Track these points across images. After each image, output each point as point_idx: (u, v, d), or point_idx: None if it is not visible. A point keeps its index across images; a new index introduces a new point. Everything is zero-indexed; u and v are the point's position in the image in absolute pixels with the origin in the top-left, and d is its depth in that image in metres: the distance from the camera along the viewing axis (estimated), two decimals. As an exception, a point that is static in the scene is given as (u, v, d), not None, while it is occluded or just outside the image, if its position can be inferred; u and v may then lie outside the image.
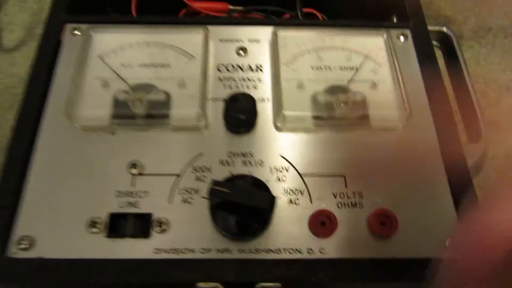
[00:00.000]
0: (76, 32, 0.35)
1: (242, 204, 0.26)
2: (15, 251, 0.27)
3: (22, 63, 0.46)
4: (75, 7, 0.37)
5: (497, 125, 0.44)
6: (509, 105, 0.45)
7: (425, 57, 0.35)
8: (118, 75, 0.32)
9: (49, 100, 0.32)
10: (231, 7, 0.45)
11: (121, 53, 0.33)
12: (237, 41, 0.35)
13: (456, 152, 0.30)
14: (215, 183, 0.27)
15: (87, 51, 0.33)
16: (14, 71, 0.46)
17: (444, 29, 0.37)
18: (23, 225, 0.28)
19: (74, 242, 0.27)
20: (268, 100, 0.33)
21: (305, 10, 0.44)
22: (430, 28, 0.36)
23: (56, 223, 0.28)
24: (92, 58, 0.33)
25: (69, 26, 0.35)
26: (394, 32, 0.35)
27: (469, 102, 0.34)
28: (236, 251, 0.27)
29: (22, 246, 0.27)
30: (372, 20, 0.38)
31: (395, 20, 0.38)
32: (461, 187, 0.29)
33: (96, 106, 0.31)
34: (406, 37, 0.36)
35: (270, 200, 0.26)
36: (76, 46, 0.34)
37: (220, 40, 0.35)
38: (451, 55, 0.36)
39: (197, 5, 0.43)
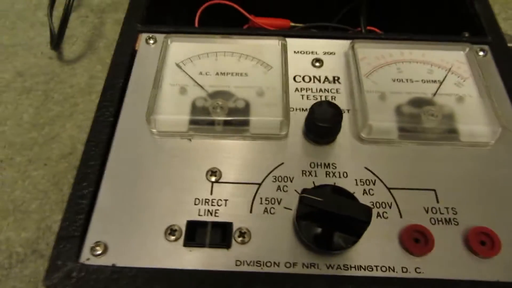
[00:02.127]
0: (151, 41, 0.35)
1: (336, 214, 0.24)
2: (88, 257, 0.25)
3: (82, 74, 0.47)
4: (147, 18, 0.37)
5: None
6: None
7: (507, 71, 0.33)
8: (196, 82, 0.32)
9: (125, 106, 0.32)
10: (292, 24, 0.45)
11: (198, 61, 0.33)
12: (312, 53, 0.35)
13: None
14: (306, 191, 0.25)
15: (165, 58, 0.33)
16: (74, 81, 0.46)
17: (522, 46, 0.36)
18: (97, 230, 0.26)
19: (149, 250, 0.26)
20: (347, 111, 0.32)
21: (369, 28, 0.44)
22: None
23: (131, 230, 0.26)
24: (170, 65, 0.33)
25: (144, 35, 0.35)
26: (474, 47, 0.34)
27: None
28: (323, 266, 0.25)
29: (96, 252, 0.25)
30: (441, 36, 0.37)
31: (466, 36, 0.37)
32: None
33: (174, 112, 0.30)
34: (485, 52, 0.34)
35: (367, 211, 0.24)
36: (151, 54, 0.34)
37: (295, 52, 0.35)
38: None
39: (259, 21, 0.44)
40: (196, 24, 0.43)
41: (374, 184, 0.28)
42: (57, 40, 0.48)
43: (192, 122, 0.30)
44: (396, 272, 0.25)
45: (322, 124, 0.29)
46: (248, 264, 0.25)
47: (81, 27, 0.52)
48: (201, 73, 0.32)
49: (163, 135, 0.30)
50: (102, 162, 0.29)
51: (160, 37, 0.35)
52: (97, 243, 0.26)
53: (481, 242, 0.26)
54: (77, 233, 0.26)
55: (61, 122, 0.43)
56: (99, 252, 0.25)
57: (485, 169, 0.29)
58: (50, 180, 0.40)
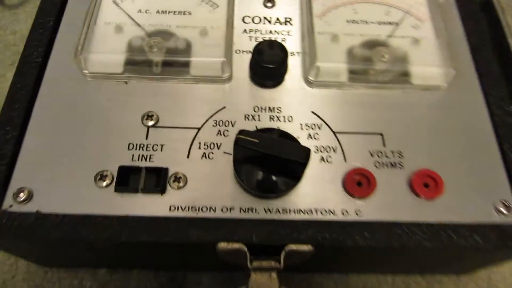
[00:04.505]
0: (88, -23, 0.32)
1: (273, 156, 0.23)
2: (11, 204, 0.24)
3: (25, 20, 0.43)
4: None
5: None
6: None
7: (468, 16, 0.32)
8: (133, 20, 0.29)
9: (56, 45, 0.29)
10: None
11: (137, -2, 0.30)
12: (264, -8, 0.32)
13: (504, 112, 0.27)
14: (242, 132, 0.23)
15: (100, -5, 0.30)
16: (17, 28, 0.43)
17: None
18: (21, 177, 0.25)
19: (78, 196, 0.24)
20: (297, 54, 0.30)
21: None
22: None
23: (58, 176, 0.25)
24: (105, 2, 0.30)
25: (80, -29, 0.32)
26: (434, -13, 0.32)
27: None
28: (262, 211, 0.24)
29: (19, 199, 0.24)
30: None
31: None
32: (511, 148, 0.27)
33: (108, 51, 0.28)
34: (446, -6, 0.33)
35: (305, 152, 0.23)
36: (87, -9, 0.31)
37: (245, -9, 0.32)
38: (491, 19, 0.33)
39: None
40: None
41: (320, 128, 0.27)
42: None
43: (128, 62, 0.28)
44: (336, 215, 0.24)
45: (266, 64, 0.27)
46: (182, 210, 0.24)
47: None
48: (140, 11, 0.30)
49: (96, 77, 0.28)
50: (29, 105, 0.27)
51: (99, -28, 0.32)
52: (21, 189, 0.24)
53: (425, 184, 0.25)
54: (-1, 179, 0.24)
55: (1, 71, 0.40)
56: (22, 199, 0.24)
57: (435, 113, 0.28)
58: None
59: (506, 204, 0.25)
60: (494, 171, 0.26)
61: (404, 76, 0.28)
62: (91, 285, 0.32)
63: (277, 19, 0.31)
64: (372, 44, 0.29)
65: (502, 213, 0.25)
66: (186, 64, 0.28)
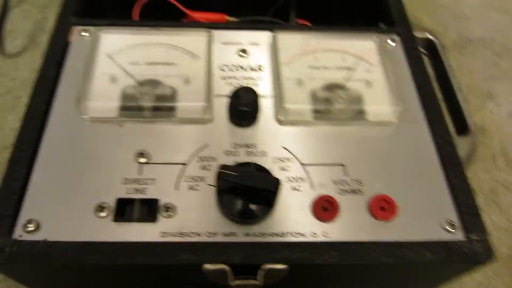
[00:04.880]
0: (84, 33, 0.36)
1: (249, 186, 0.27)
2: (21, 234, 0.27)
3: (25, 67, 0.47)
4: (82, 12, 0.39)
5: (482, 128, 0.46)
6: (491, 109, 0.48)
7: (413, 59, 0.37)
8: (126, 71, 0.34)
9: (58, 94, 0.33)
10: (228, 18, 0.47)
11: (128, 52, 0.35)
12: (238, 43, 0.37)
13: (447, 142, 0.32)
14: (223, 167, 0.28)
15: (96, 49, 0.35)
16: (17, 75, 0.47)
17: (428, 35, 0.40)
18: (29, 209, 0.28)
19: (81, 226, 0.28)
20: (269, 97, 0.35)
21: (298, 21, 0.47)
22: (415, 34, 0.39)
23: (63, 208, 0.28)
24: (101, 56, 0.34)
25: (77, 28, 0.37)
26: (383, 36, 0.38)
27: (455, 99, 0.36)
28: (241, 235, 0.28)
29: (28, 229, 0.27)
30: (360, 27, 0.40)
31: (383, 26, 0.41)
32: (454, 173, 0.31)
33: (104, 99, 0.32)
34: (394, 41, 0.38)
35: (275, 182, 0.27)
36: (84, 46, 0.36)
37: (222, 43, 0.37)
38: (436, 59, 0.39)
39: (196, 15, 0.46)
40: (137, 18, 0.45)
41: (289, 161, 0.31)
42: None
43: (122, 108, 0.32)
44: (306, 236, 0.28)
45: (241, 107, 0.31)
46: (172, 235, 0.28)
47: (23, 22, 0.52)
48: (131, 63, 0.34)
49: (94, 120, 0.32)
50: (35, 146, 0.30)
51: (94, 30, 0.37)
52: (30, 221, 0.27)
53: (381, 207, 0.29)
54: (10, 212, 0.27)
55: (3, 114, 0.44)
56: (31, 229, 0.27)
57: (388, 144, 0.33)
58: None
59: (451, 223, 0.29)
60: (441, 194, 0.31)
61: (360, 114, 0.33)
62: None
63: (250, 66, 0.36)
64: (332, 87, 0.34)
65: (449, 231, 0.29)
66: (173, 108, 0.32)
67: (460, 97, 0.36)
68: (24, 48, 0.50)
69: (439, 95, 0.38)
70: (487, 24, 0.53)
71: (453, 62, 0.51)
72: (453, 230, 0.29)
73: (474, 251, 0.28)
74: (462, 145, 0.33)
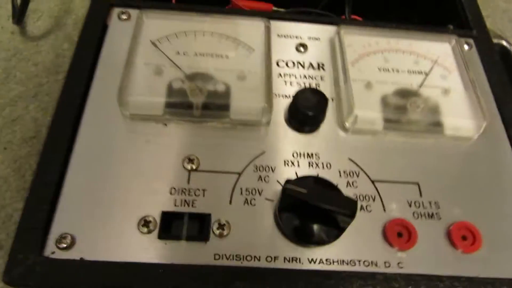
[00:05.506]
0: (123, 16, 0.32)
1: (320, 207, 0.23)
2: (54, 250, 0.23)
3: (48, 51, 0.43)
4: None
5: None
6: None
7: (491, 66, 0.33)
8: (173, 62, 0.29)
9: (95, 86, 0.29)
10: (275, 8, 0.43)
11: (175, 40, 0.31)
12: (297, 37, 0.33)
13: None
14: (289, 182, 0.24)
15: (139, 35, 0.30)
16: (39, 59, 0.42)
17: (504, 42, 0.36)
18: (63, 221, 0.24)
19: (121, 243, 0.24)
20: (331, 99, 0.31)
21: (353, 17, 0.43)
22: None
23: (100, 221, 0.24)
24: (144, 43, 0.30)
25: (116, 10, 0.33)
26: (460, 39, 0.34)
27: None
28: (305, 261, 0.24)
29: (62, 245, 0.23)
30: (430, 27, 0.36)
31: (451, 29, 0.37)
32: (544, 201, 0.27)
33: (148, 93, 0.28)
34: (470, 45, 0.34)
35: (353, 204, 0.23)
36: (124, 31, 0.31)
37: (278, 35, 0.33)
38: (510, 67, 0.35)
39: (241, 3, 0.41)
40: (174, 1, 0.41)
41: (358, 176, 0.27)
42: (19, 14, 0.43)
43: (168, 105, 0.28)
44: (379, 266, 0.25)
45: (306, 111, 0.27)
46: (227, 258, 0.24)
47: (47, 1, 0.48)
48: (178, 53, 0.30)
49: (136, 118, 0.28)
50: (69, 147, 0.26)
51: (134, 12, 0.32)
52: (63, 235, 0.23)
53: (463, 237, 0.26)
54: (40, 224, 0.24)
55: (23, 103, 0.40)
56: (65, 245, 0.23)
57: (467, 163, 0.29)
58: (11, 166, 0.37)
59: (543, 257, 0.26)
60: (528, 222, 0.27)
61: (436, 126, 0.29)
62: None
63: (310, 64, 0.32)
64: (405, 94, 0.30)
65: (539, 266, 0.26)
66: (227, 108, 0.28)
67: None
68: (47, 30, 0.45)
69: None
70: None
71: None
72: (541, 265, 0.25)
73: None
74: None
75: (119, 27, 0.32)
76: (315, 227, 0.24)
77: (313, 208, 0.23)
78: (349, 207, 0.23)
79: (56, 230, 0.24)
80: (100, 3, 0.33)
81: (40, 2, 0.47)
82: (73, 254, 0.23)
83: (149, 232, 0.24)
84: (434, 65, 0.32)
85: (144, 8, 0.32)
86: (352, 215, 0.23)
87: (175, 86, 0.28)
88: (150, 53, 0.30)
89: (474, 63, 0.33)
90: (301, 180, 0.25)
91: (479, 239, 0.26)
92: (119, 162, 0.26)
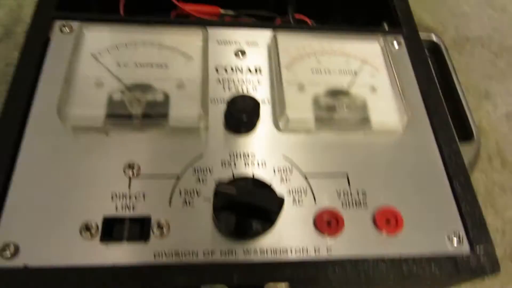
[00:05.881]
0: (65, 29, 0.33)
1: (250, 205, 0.25)
2: (-2, 260, 0.24)
3: (5, 56, 0.44)
4: (63, 4, 0.35)
5: (479, 128, 0.45)
6: (487, 110, 0.47)
7: (419, 63, 0.36)
8: (112, 74, 0.31)
9: (37, 99, 0.30)
10: (222, 11, 0.45)
11: (115, 52, 0.32)
12: (235, 43, 0.35)
13: (453, 151, 0.31)
14: (220, 185, 0.25)
15: (79, 48, 0.32)
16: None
17: (433, 37, 0.38)
18: (6, 231, 0.25)
19: (64, 248, 0.25)
20: (267, 101, 0.32)
21: (296, 16, 0.45)
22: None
23: (44, 228, 0.26)
24: (85, 56, 0.31)
25: (58, 23, 0.34)
26: (388, 38, 0.36)
27: (460, 105, 0.35)
28: (241, 253, 0.26)
29: (6, 254, 0.24)
30: (363, 27, 0.38)
31: (386, 27, 0.39)
32: (460, 184, 0.30)
33: (89, 106, 0.29)
34: (399, 43, 0.37)
35: (279, 201, 0.25)
36: (65, 44, 0.33)
37: (218, 42, 0.35)
38: (440, 61, 0.38)
39: (188, 8, 0.43)
40: (121, 12, 0.42)
41: (291, 172, 0.29)
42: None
43: (108, 116, 0.29)
44: (309, 253, 0.27)
45: (240, 115, 0.29)
46: (166, 256, 0.26)
47: (-4, 10, 0.48)
48: (119, 65, 0.31)
49: (78, 129, 0.29)
50: (11, 160, 0.27)
51: (76, 25, 0.33)
52: (7, 244, 0.25)
53: (387, 221, 0.28)
54: (-17, 235, 0.25)
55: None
56: (9, 254, 0.24)
57: (393, 154, 0.31)
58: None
59: (458, 235, 0.28)
60: (446, 206, 0.30)
61: (364, 122, 0.32)
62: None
63: (248, 68, 0.34)
64: (335, 93, 0.32)
65: (455, 244, 0.28)
66: (165, 116, 0.30)
67: (464, 101, 0.34)
68: (-3, 38, 0.46)
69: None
70: (485, 23, 0.52)
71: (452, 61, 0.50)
72: (459, 243, 0.28)
73: (480, 264, 0.27)
74: (465, 151, 0.32)
75: (61, 40, 0.33)
76: (248, 222, 0.26)
77: (244, 205, 0.25)
78: (275, 204, 0.25)
79: (-1, 240, 0.25)
80: (42, 16, 0.34)
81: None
82: (17, 262, 0.24)
83: (92, 236, 0.26)
84: (363, 65, 0.34)
85: (85, 20, 0.33)
86: (279, 211, 0.25)
87: (115, 98, 0.30)
88: (91, 65, 0.31)
89: (403, 60, 0.36)
90: (233, 181, 0.27)
91: (401, 222, 0.28)
92: (61, 172, 0.27)
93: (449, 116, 0.32)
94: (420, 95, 0.34)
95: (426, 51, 0.35)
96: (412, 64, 0.36)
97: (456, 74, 0.36)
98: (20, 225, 0.25)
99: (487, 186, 0.43)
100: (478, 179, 0.43)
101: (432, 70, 0.35)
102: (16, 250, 0.25)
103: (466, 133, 0.35)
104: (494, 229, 0.41)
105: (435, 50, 0.38)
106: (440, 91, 0.34)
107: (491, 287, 0.38)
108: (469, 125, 0.34)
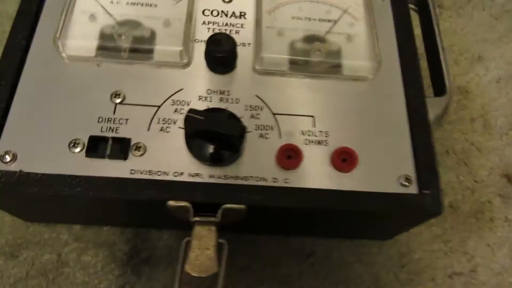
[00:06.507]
0: (67, -32, 0.36)
1: (214, 131, 0.28)
2: (-3, 164, 0.29)
3: (11, 1, 0.47)
4: None
5: (466, 91, 0.46)
6: (478, 73, 0.47)
7: (399, 16, 0.36)
8: (105, 10, 0.33)
9: (38, 30, 0.33)
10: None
11: (109, -10, 0.35)
12: (223, -12, 0.37)
13: (419, 102, 0.33)
14: (191, 110, 0.28)
15: (77, -14, 0.34)
16: (3, 8, 0.47)
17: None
18: (7, 141, 0.29)
19: (54, 159, 0.29)
20: (249, 45, 0.35)
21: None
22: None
23: (39, 142, 0.30)
24: (81, -8, 0.34)
25: (60, -38, 0.36)
26: (371, -10, 0.37)
27: (437, 59, 0.36)
28: (206, 176, 0.30)
29: (5, 160, 0.29)
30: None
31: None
32: (419, 133, 0.32)
33: (83, 37, 0.33)
34: (384, -4, 0.37)
35: (240, 128, 0.28)
36: (66, -19, 0.35)
37: (207, -14, 0.37)
38: (425, 17, 0.38)
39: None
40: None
41: (261, 110, 0.32)
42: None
43: (100, 48, 0.32)
44: (267, 181, 0.30)
45: (218, 54, 0.32)
46: (141, 173, 0.29)
47: None
48: (112, 2, 0.34)
49: (72, 59, 0.32)
50: (14, 82, 0.31)
51: (76, -36, 0.36)
52: (7, 152, 0.29)
53: (343, 159, 0.31)
54: (-13, 142, 0.29)
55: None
56: (8, 160, 0.29)
57: (360, 100, 0.33)
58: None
59: (408, 178, 0.31)
60: (403, 151, 0.32)
61: (337, 68, 0.33)
62: (67, 238, 0.37)
63: (233, 13, 0.36)
64: (312, 39, 0.34)
65: (404, 185, 0.30)
66: (151, 51, 0.33)
67: (442, 57, 0.35)
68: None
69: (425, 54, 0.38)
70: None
71: (449, 22, 0.50)
72: (408, 185, 0.30)
73: (424, 204, 0.30)
74: (434, 105, 0.33)
75: (62, -22, 0.36)
76: (215, 149, 0.29)
77: (212, 133, 0.28)
78: (237, 131, 0.28)
79: (1, 148, 0.29)
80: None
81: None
82: (15, 167, 0.29)
83: (79, 152, 0.29)
84: (343, 14, 0.35)
85: (85, -40, 0.36)
86: (240, 137, 0.28)
87: (106, 31, 0.33)
88: (87, 1, 0.34)
89: (385, 13, 0.37)
90: (202, 111, 0.30)
91: (356, 161, 0.30)
92: (56, 96, 0.31)
93: (420, 70, 0.34)
94: (396, 47, 0.35)
95: (412, 6, 0.36)
96: (393, 17, 0.37)
97: (439, 29, 0.36)
98: (19, 137, 0.30)
99: (464, 146, 0.44)
100: (456, 139, 0.44)
101: (411, 24, 0.36)
102: (14, 157, 0.29)
103: (441, 90, 0.36)
104: (464, 186, 0.42)
105: (423, 5, 0.38)
106: (416, 45, 0.35)
107: (451, 240, 0.40)
108: (444, 81, 0.35)
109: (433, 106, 0.34)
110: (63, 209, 0.34)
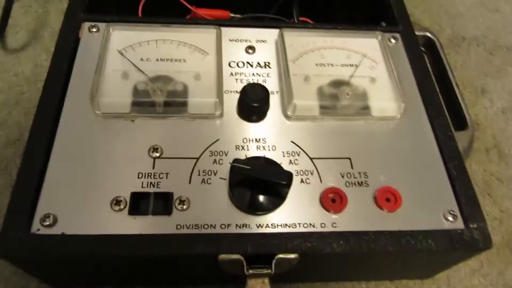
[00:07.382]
0: (93, 29, 0.37)
1: (262, 179, 0.28)
2: (39, 228, 0.28)
3: (27, 62, 0.47)
4: (88, 7, 0.39)
5: (476, 123, 0.48)
6: (484, 105, 0.50)
7: (414, 56, 0.39)
8: (137, 67, 0.34)
9: (70, 90, 0.33)
10: (232, 14, 0.48)
11: (139, 48, 0.35)
12: (246, 40, 0.38)
13: (447, 136, 0.34)
14: (236, 160, 0.29)
15: (107, 46, 0.35)
16: (19, 70, 0.47)
17: (428, 34, 0.41)
18: (46, 203, 0.29)
19: (96, 219, 0.28)
20: (276, 92, 0.36)
21: (301, 19, 0.48)
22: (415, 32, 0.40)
23: (79, 202, 0.29)
24: (112, 52, 0.35)
25: (87, 24, 0.37)
26: (386, 35, 0.39)
27: (454, 96, 0.38)
28: (254, 226, 0.29)
29: (46, 223, 0.28)
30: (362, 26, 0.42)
31: (384, 25, 0.42)
32: (455, 166, 0.33)
33: (117, 95, 0.33)
34: (396, 39, 0.40)
35: (288, 175, 0.28)
36: (94, 42, 0.36)
37: (230, 40, 0.38)
38: (435, 57, 0.41)
39: (201, 12, 0.47)
40: (140, 14, 0.45)
41: (298, 155, 0.32)
42: (0, 29, 0.48)
43: (134, 104, 0.33)
44: (316, 227, 0.30)
45: (252, 103, 0.32)
46: (187, 228, 0.29)
47: (24, 17, 0.52)
48: (142, 59, 0.35)
49: (107, 116, 0.32)
50: (49, 141, 0.31)
51: (102, 26, 0.37)
52: (47, 215, 0.28)
53: (387, 199, 0.31)
54: (27, 206, 0.28)
55: (7, 110, 0.44)
56: (48, 223, 0.28)
57: (392, 138, 0.34)
58: (-2, 165, 0.41)
59: (453, 213, 0.31)
60: (442, 186, 0.32)
61: (365, 109, 0.35)
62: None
63: (258, 63, 0.37)
64: (338, 84, 0.35)
65: (450, 220, 0.31)
66: (184, 104, 0.33)
67: (458, 93, 0.37)
68: (26, 43, 0.49)
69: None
70: (480, 22, 0.55)
71: (448, 59, 0.53)
72: (454, 220, 0.31)
73: (473, 238, 0.30)
74: (460, 139, 0.35)
75: (90, 39, 0.37)
76: (261, 197, 0.29)
77: (258, 181, 0.28)
78: (286, 177, 0.28)
79: (40, 211, 0.28)
80: (73, 18, 0.37)
81: (18, 18, 0.51)
82: (56, 230, 0.28)
83: (121, 210, 0.29)
84: (363, 58, 0.37)
85: (111, 21, 0.37)
86: (288, 184, 0.28)
87: (139, 88, 0.33)
88: (117, 60, 0.35)
89: (399, 54, 0.39)
90: (247, 160, 0.30)
91: (400, 200, 0.31)
92: (93, 153, 0.31)
93: (443, 105, 0.35)
94: (416, 85, 0.37)
95: (421, 47, 0.38)
96: (408, 57, 0.39)
97: (450, 68, 0.39)
98: (58, 198, 0.29)
99: (485, 177, 0.46)
100: (476, 171, 0.46)
101: (427, 63, 0.38)
102: (55, 220, 0.28)
103: (461, 124, 0.37)
104: (492, 217, 0.43)
105: (431, 46, 0.41)
106: (435, 82, 0.36)
107: (489, 273, 0.40)
108: (464, 115, 0.36)
109: (458, 140, 0.35)
110: (103, 272, 0.33)
